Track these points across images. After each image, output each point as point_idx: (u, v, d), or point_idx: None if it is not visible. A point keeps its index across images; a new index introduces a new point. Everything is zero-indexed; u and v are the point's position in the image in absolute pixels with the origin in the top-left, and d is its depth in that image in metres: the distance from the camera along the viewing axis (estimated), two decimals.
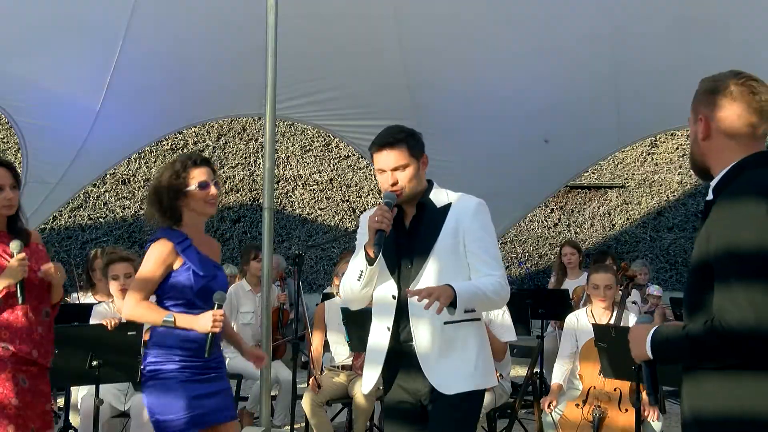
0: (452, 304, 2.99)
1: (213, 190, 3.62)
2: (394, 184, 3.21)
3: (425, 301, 2.97)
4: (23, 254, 3.60)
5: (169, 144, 13.68)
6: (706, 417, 2.20)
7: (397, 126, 3.35)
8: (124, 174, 13.55)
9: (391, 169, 3.22)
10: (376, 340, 3.29)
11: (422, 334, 3.18)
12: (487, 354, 3.30)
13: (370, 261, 3.15)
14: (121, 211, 13.32)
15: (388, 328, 3.22)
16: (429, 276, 3.17)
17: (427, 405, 3.23)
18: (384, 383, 3.35)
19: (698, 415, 2.22)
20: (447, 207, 3.26)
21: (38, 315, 3.73)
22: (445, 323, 3.15)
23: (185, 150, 13.76)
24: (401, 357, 3.22)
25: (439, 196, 3.31)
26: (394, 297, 3.22)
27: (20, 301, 3.60)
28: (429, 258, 3.18)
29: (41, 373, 3.74)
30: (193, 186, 3.58)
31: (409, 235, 3.27)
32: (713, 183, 2.33)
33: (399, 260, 3.24)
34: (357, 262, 3.24)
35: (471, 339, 3.22)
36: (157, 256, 3.56)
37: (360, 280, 3.21)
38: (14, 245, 3.63)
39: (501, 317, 5.49)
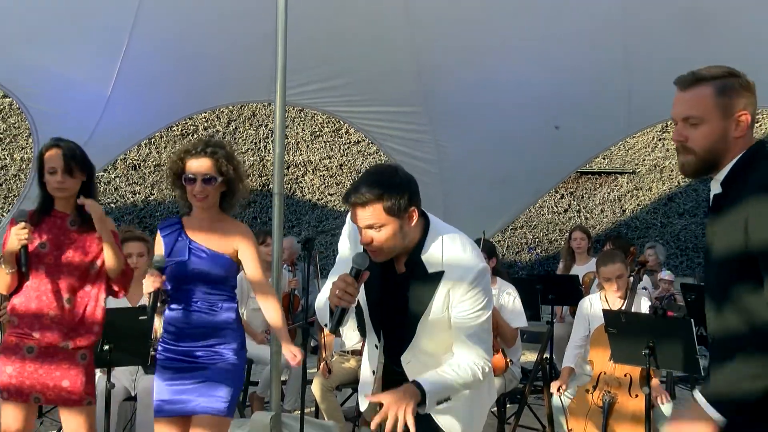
0: (422, 401, 2.68)
1: (197, 187, 3.57)
2: (369, 243, 2.77)
3: (418, 365, 2.83)
4: (22, 225, 3.60)
5: (180, 129, 13.70)
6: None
7: (376, 175, 2.80)
8: (135, 159, 13.58)
9: (364, 227, 2.76)
10: (365, 377, 3.14)
11: (412, 359, 2.96)
12: (482, 407, 3.14)
13: (331, 328, 2.82)
14: (132, 197, 13.36)
15: (376, 346, 3.02)
16: (415, 348, 2.93)
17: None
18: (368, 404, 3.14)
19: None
20: (439, 275, 2.81)
21: (57, 300, 3.74)
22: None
23: (195, 135, 13.78)
24: (390, 375, 3.00)
25: (432, 256, 2.84)
26: (376, 347, 3.01)
27: (22, 269, 3.63)
28: (416, 331, 2.88)
29: (62, 350, 3.76)
30: (186, 176, 3.60)
31: (398, 292, 2.89)
32: (721, 177, 2.33)
33: (386, 317, 2.96)
34: (321, 314, 2.94)
35: (467, 393, 2.95)
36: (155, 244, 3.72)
37: (326, 326, 2.90)
38: (17, 215, 3.67)
39: (512, 303, 5.51)
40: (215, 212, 3.72)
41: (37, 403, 3.81)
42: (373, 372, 3.04)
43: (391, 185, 2.74)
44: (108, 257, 3.79)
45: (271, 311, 3.72)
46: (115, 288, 3.91)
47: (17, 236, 3.59)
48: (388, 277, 2.90)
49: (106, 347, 4.39)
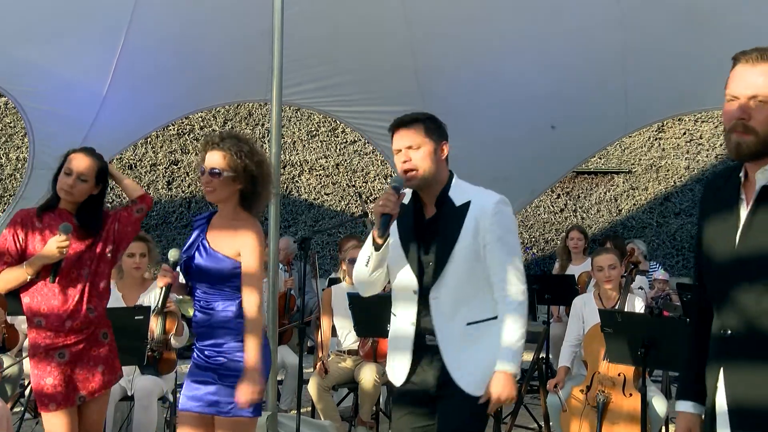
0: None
1: (204, 178, 3.53)
2: (406, 162, 3.15)
3: (447, 300, 3.06)
4: (64, 238, 3.69)
5: (176, 129, 13.69)
6: None
7: (416, 112, 3.29)
8: (131, 159, 13.58)
9: (405, 147, 3.17)
10: (401, 333, 3.26)
11: (445, 332, 3.15)
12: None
13: (377, 246, 3.12)
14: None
15: (412, 324, 3.19)
16: (451, 279, 3.13)
17: (438, 397, 3.19)
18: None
19: None
20: (467, 206, 3.16)
21: (68, 294, 3.79)
22: (468, 324, 3.15)
23: (191, 135, 13.77)
24: (422, 350, 3.20)
25: (458, 193, 3.21)
26: (415, 292, 3.19)
27: (51, 280, 3.72)
28: (450, 261, 3.12)
29: (87, 341, 3.82)
30: (200, 168, 3.59)
31: (430, 230, 3.20)
32: None
33: (419, 255, 3.19)
34: (365, 247, 3.23)
35: (493, 338, 3.16)
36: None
37: (368, 265, 3.18)
38: (62, 228, 3.72)
39: None
40: (233, 209, 3.61)
41: (80, 402, 3.84)
42: (412, 323, 3.19)
43: (431, 116, 3.25)
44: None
45: (248, 302, 3.54)
46: (132, 207, 4.08)
47: (58, 248, 3.67)
48: (419, 223, 3.22)
49: None
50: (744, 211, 2.29)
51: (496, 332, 3.16)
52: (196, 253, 3.60)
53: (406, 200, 3.23)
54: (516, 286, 3.13)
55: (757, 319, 2.21)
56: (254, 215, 3.68)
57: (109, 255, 3.93)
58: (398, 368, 3.28)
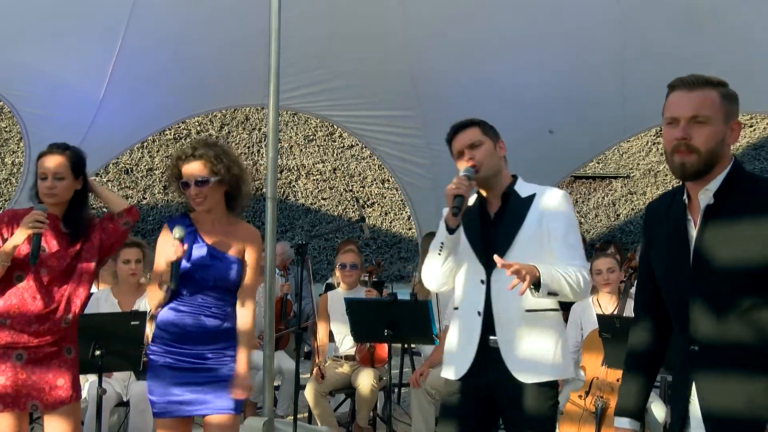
0: (536, 287, 2.96)
1: (192, 190, 3.57)
2: (471, 159, 3.26)
3: (511, 285, 2.99)
4: (40, 212, 3.63)
5: (172, 133, 13.69)
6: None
7: (473, 118, 3.42)
8: (127, 163, 13.57)
9: (466, 148, 3.28)
10: (466, 324, 3.29)
11: (504, 321, 3.19)
12: (565, 345, 3.32)
13: (450, 230, 3.18)
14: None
15: (479, 313, 3.22)
16: (515, 260, 3.09)
17: (498, 396, 3.21)
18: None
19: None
20: (532, 197, 3.28)
21: (43, 299, 3.73)
22: (527, 311, 3.18)
23: (188, 139, 13.77)
24: (485, 348, 3.21)
25: (523, 188, 3.35)
26: (482, 282, 3.24)
27: (31, 262, 3.63)
28: (513, 245, 3.19)
29: (50, 350, 3.74)
30: (181, 182, 3.61)
31: (494, 225, 3.29)
32: (714, 187, 2.37)
33: (485, 248, 3.25)
34: (437, 235, 3.27)
35: (551, 329, 3.23)
36: (158, 243, 3.66)
37: (441, 252, 3.24)
38: (39, 207, 3.68)
39: None
40: (223, 215, 3.70)
41: (33, 410, 3.78)
42: (479, 313, 3.22)
43: (482, 120, 3.39)
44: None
45: (243, 316, 3.67)
46: (118, 220, 3.97)
47: (34, 220, 3.59)
48: (485, 221, 3.32)
49: (97, 352, 4.38)
50: (693, 232, 2.42)
51: (553, 324, 3.24)
52: (216, 263, 3.61)
53: (471, 202, 3.32)
54: (578, 266, 3.15)
55: (721, 334, 2.33)
56: (239, 216, 3.77)
57: (93, 266, 3.85)
58: (459, 361, 3.27)
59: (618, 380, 4.87)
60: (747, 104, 2.52)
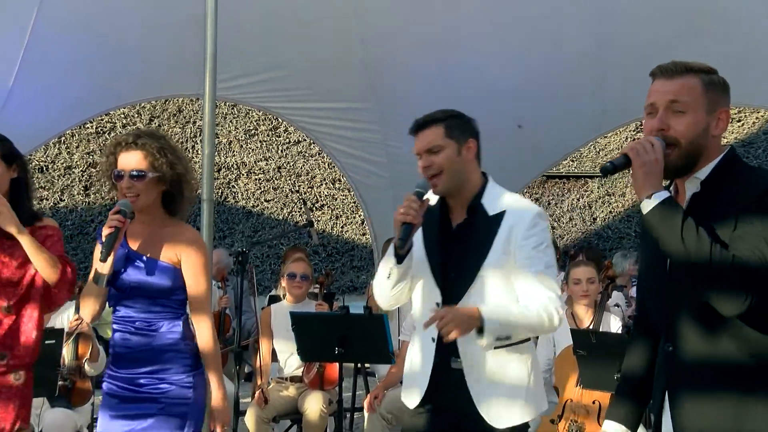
0: (480, 331, 2.94)
1: (124, 183, 3.44)
2: (428, 167, 3.18)
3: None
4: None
5: (94, 127, 13.54)
6: None
7: (441, 110, 3.32)
8: (42, 161, 13.38)
9: (424, 152, 3.20)
10: (420, 351, 3.29)
11: (470, 354, 3.15)
12: (539, 377, 3.32)
13: (399, 258, 3.13)
14: (38, 203, 13.14)
15: (433, 339, 3.19)
16: (478, 294, 3.14)
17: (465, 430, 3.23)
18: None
19: None
20: (501, 215, 3.19)
21: None
22: (496, 347, 3.13)
23: (112, 134, 13.61)
24: (445, 373, 3.20)
25: (492, 200, 3.24)
26: (438, 305, 3.18)
27: None
28: (478, 275, 3.14)
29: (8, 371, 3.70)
30: (114, 172, 3.49)
31: (458, 240, 3.23)
32: (703, 176, 2.40)
33: (444, 267, 3.21)
34: (385, 259, 3.24)
35: (523, 363, 3.21)
36: (95, 252, 3.59)
37: (389, 278, 3.20)
38: None
39: None
40: (158, 215, 3.56)
41: None
42: (433, 339, 3.16)
43: (453, 114, 3.28)
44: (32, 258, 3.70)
45: (200, 336, 3.55)
46: (54, 290, 3.78)
47: None
48: (445, 230, 3.26)
49: None
50: None
51: (525, 357, 3.22)
52: (130, 267, 3.49)
53: (432, 202, 3.26)
54: (550, 301, 3.10)
55: (704, 344, 2.36)
56: (180, 220, 3.64)
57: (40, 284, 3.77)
58: (414, 388, 3.28)
59: (594, 402, 4.94)
60: (735, 97, 2.56)
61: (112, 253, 3.40)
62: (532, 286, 3.11)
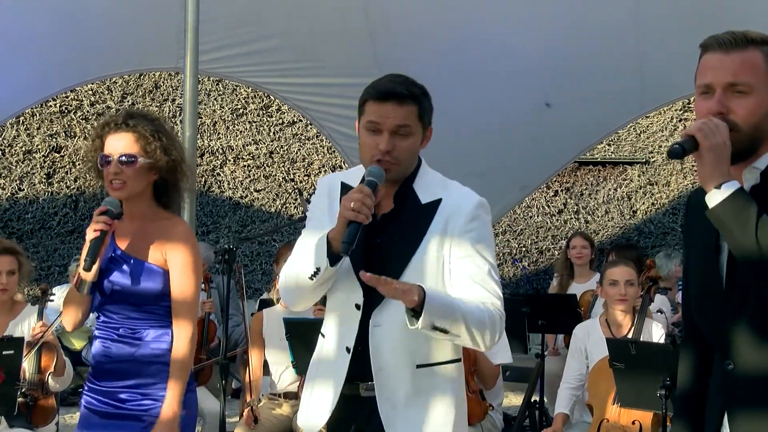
0: (416, 314, 2.79)
1: (111, 168, 3.44)
2: (388, 153, 2.98)
3: (392, 330, 2.92)
4: None
5: (58, 106, 13.56)
6: None
7: (408, 78, 3.09)
8: None
9: (390, 130, 2.99)
10: (329, 360, 3.15)
11: (385, 376, 3.02)
12: (464, 405, 3.18)
13: (333, 259, 2.93)
14: None
15: (348, 350, 3.05)
16: (392, 303, 2.95)
17: None
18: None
19: None
20: (435, 204, 3.05)
21: None
22: (419, 366, 3.02)
23: (79, 114, 13.64)
24: (354, 401, 3.07)
25: (426, 186, 3.09)
26: (358, 307, 3.04)
27: None
28: (404, 274, 2.97)
29: None
30: (101, 157, 3.49)
31: (383, 232, 3.06)
32: (762, 165, 2.39)
33: (367, 262, 2.97)
34: (313, 251, 2.99)
35: (448, 393, 3.08)
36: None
37: (314, 278, 2.98)
38: None
39: None
40: (148, 208, 3.58)
41: None
42: (347, 349, 3.05)
43: (425, 92, 3.09)
44: None
45: (179, 339, 3.54)
46: None
47: None
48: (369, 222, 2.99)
49: None
50: None
51: (451, 381, 3.09)
52: (115, 269, 3.51)
53: (354, 183, 3.07)
54: (492, 303, 2.98)
55: (764, 352, 2.36)
56: (173, 212, 3.66)
57: None
58: (316, 407, 3.13)
59: (634, 422, 4.95)
60: None
61: (98, 260, 3.41)
62: (472, 289, 2.98)
